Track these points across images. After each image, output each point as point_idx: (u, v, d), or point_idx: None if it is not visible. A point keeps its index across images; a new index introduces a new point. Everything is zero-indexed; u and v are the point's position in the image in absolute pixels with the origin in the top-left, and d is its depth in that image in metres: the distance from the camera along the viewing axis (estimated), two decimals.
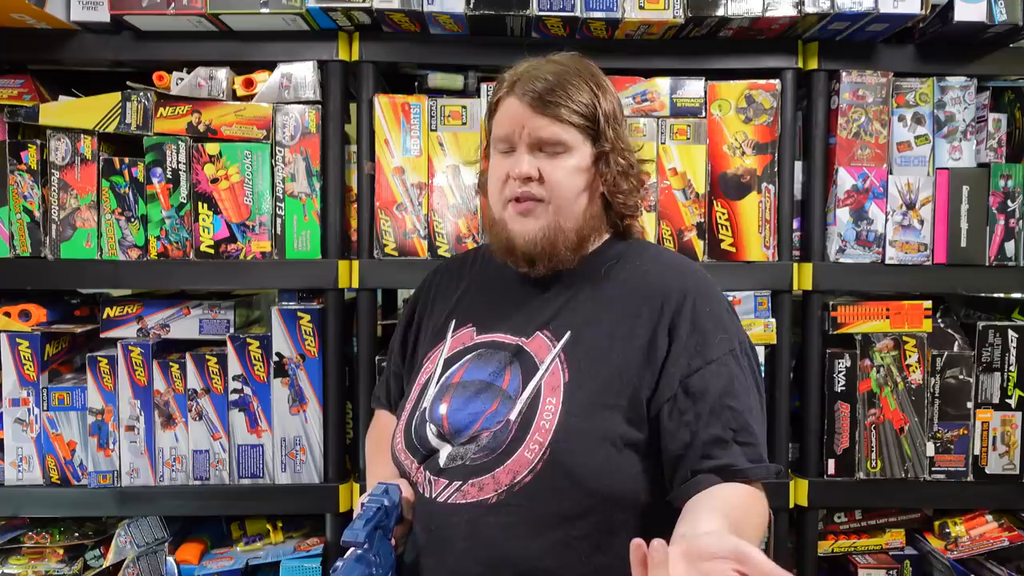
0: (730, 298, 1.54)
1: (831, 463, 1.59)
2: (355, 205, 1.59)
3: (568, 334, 1.08)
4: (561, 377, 1.05)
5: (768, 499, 1.54)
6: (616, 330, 1.07)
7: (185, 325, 1.58)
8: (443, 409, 1.08)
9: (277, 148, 1.55)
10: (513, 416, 1.04)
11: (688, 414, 1.01)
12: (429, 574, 1.04)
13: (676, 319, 1.06)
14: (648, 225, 1.56)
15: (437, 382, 1.13)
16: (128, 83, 1.56)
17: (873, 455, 1.58)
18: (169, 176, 1.54)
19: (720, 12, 1.47)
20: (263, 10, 1.46)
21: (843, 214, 1.57)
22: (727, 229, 1.58)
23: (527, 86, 1.08)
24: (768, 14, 1.46)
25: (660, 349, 1.05)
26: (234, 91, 1.57)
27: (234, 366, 1.56)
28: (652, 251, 1.20)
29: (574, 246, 1.12)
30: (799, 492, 1.59)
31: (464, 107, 1.56)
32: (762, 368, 1.58)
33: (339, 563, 0.92)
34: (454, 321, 1.19)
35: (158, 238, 1.54)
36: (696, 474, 0.99)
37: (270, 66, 1.56)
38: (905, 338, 1.58)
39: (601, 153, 1.11)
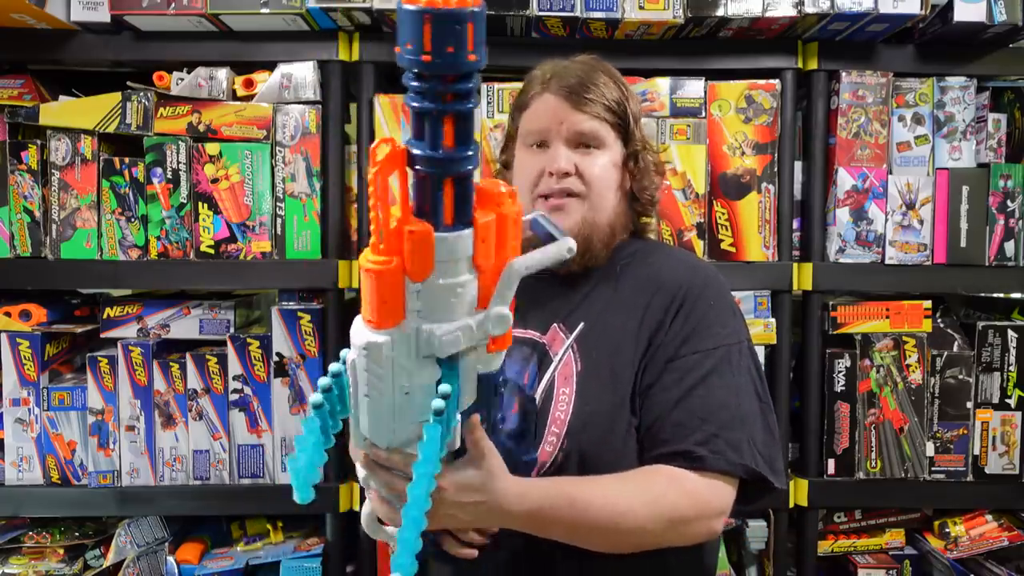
0: None
1: (831, 463, 1.59)
2: (355, 205, 1.59)
3: (582, 325, 1.08)
4: (574, 367, 1.06)
5: (766, 500, 1.56)
6: (628, 322, 1.07)
7: (185, 325, 1.58)
8: None
9: (277, 148, 1.55)
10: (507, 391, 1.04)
11: (659, 396, 1.01)
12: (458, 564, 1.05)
13: (679, 310, 1.06)
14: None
15: None
16: (128, 83, 1.56)
17: (873, 455, 1.59)
18: (169, 176, 1.54)
19: (720, 12, 1.47)
20: (263, 10, 1.46)
21: (843, 214, 1.57)
22: (727, 229, 1.58)
23: (562, 83, 1.10)
24: (768, 14, 1.46)
25: (658, 338, 1.05)
26: (234, 91, 1.57)
27: (234, 366, 1.56)
28: (666, 249, 1.22)
29: (608, 240, 1.12)
30: (799, 492, 1.59)
31: None
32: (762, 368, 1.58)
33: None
34: None
35: (158, 238, 1.54)
36: (654, 460, 0.99)
37: (270, 66, 1.56)
38: (905, 338, 1.58)
39: (632, 151, 1.13)
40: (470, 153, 0.66)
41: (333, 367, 0.78)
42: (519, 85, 1.23)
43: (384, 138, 0.67)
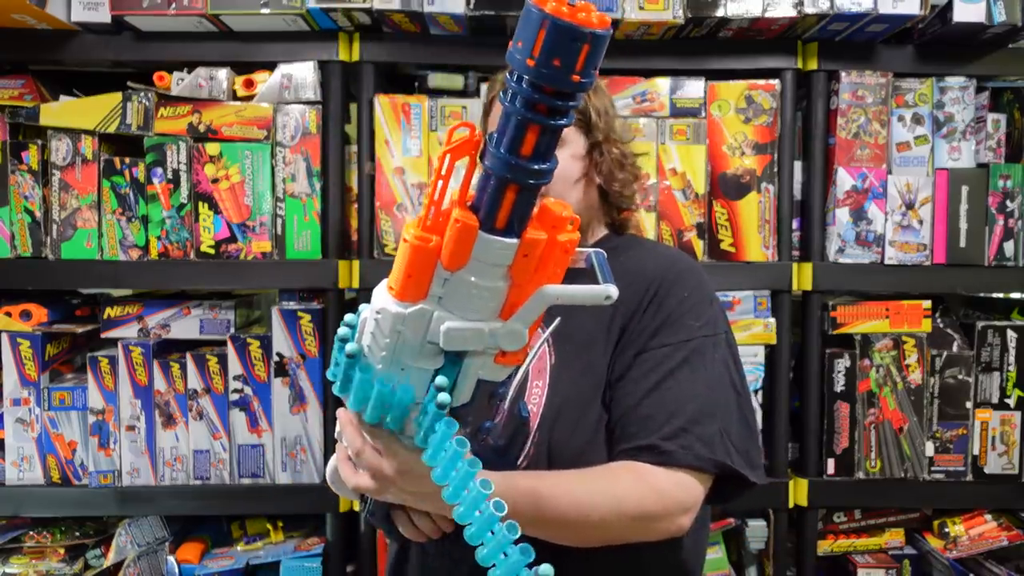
0: (730, 298, 1.55)
1: (831, 463, 1.59)
2: (355, 205, 1.59)
3: (558, 319, 1.07)
4: (548, 360, 1.05)
5: (767, 499, 1.57)
6: (601, 315, 1.06)
7: (185, 325, 1.59)
8: None
9: (277, 148, 1.55)
10: (505, 404, 1.04)
11: (627, 388, 1.00)
12: (440, 557, 1.05)
13: (651, 302, 1.05)
14: (648, 225, 1.56)
15: None
16: (129, 83, 1.56)
17: (872, 455, 1.59)
18: (170, 176, 1.54)
19: (720, 13, 1.47)
20: (263, 11, 1.47)
21: (842, 214, 1.58)
22: (727, 229, 1.58)
23: None
24: (768, 15, 1.46)
25: (630, 330, 1.04)
26: (234, 91, 1.57)
27: (234, 366, 1.56)
28: (646, 244, 1.20)
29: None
30: (799, 492, 1.59)
31: (464, 107, 1.57)
32: (761, 367, 1.58)
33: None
34: None
35: (159, 238, 1.54)
36: (623, 455, 0.98)
37: (270, 66, 1.57)
38: (904, 338, 1.58)
39: (595, 143, 1.12)
40: (544, 167, 0.65)
41: (349, 318, 0.79)
42: None
43: (466, 122, 0.67)
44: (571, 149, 1.11)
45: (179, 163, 1.54)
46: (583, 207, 1.13)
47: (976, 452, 1.60)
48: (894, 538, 1.66)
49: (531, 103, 0.61)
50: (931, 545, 1.63)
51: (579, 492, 0.92)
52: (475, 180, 0.67)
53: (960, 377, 1.59)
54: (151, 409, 1.56)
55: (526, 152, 0.64)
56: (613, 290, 0.73)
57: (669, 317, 1.03)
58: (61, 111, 1.54)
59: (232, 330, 1.58)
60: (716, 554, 1.63)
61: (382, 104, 1.56)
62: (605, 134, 1.13)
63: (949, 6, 1.47)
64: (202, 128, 1.54)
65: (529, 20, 0.59)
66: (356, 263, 1.56)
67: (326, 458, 1.57)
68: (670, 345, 1.01)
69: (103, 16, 1.48)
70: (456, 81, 1.60)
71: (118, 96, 1.53)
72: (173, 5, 1.46)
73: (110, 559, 1.58)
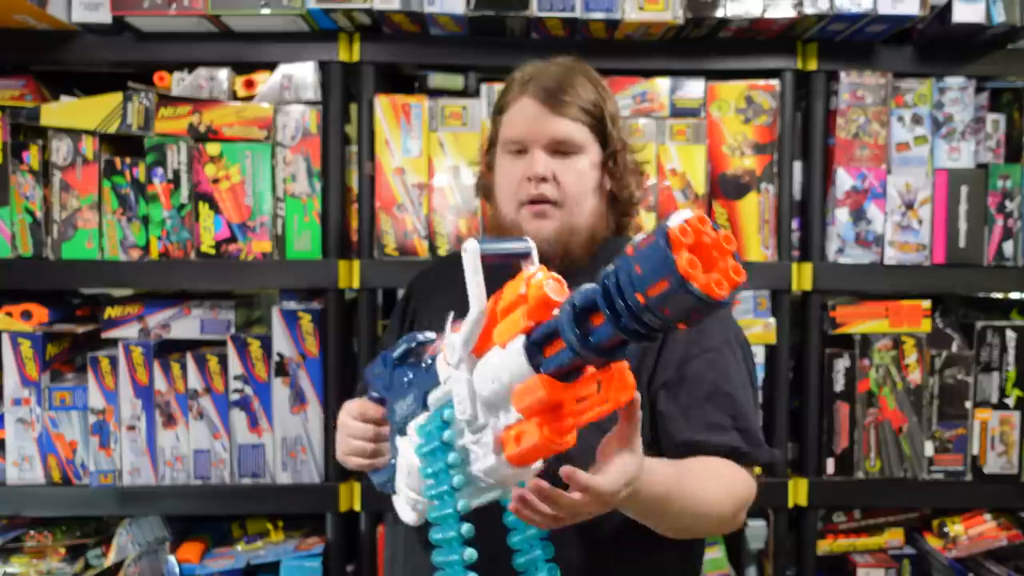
0: None
1: (830, 463, 1.59)
2: (355, 205, 1.59)
3: None
4: None
5: (767, 499, 1.57)
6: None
7: (186, 325, 1.59)
8: None
9: (278, 148, 1.55)
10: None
11: (684, 399, 1.03)
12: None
13: None
14: (648, 225, 1.56)
15: None
16: (129, 84, 1.56)
17: (872, 455, 1.59)
18: (170, 176, 1.54)
19: (720, 13, 1.47)
20: (264, 11, 1.47)
21: (842, 214, 1.58)
22: (726, 229, 1.58)
23: (540, 86, 1.11)
24: (767, 15, 1.47)
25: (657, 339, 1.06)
26: (235, 92, 1.57)
27: (235, 366, 1.56)
28: None
29: (587, 244, 1.13)
30: (798, 492, 1.59)
31: (464, 107, 1.57)
32: (761, 367, 1.59)
33: None
34: (452, 313, 1.19)
35: (159, 238, 1.55)
36: (697, 452, 1.01)
37: (271, 67, 1.57)
38: (904, 338, 1.58)
39: (609, 152, 1.14)
40: (605, 359, 0.68)
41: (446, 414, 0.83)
42: None
43: (555, 277, 0.73)
44: (587, 159, 1.12)
45: (179, 163, 1.54)
46: (596, 215, 1.14)
47: (975, 452, 1.60)
48: (894, 538, 1.66)
49: (624, 326, 0.62)
50: (931, 545, 1.63)
51: (708, 485, 0.96)
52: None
53: (959, 377, 1.59)
54: (151, 409, 1.56)
55: (603, 347, 0.66)
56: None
57: (700, 324, 1.06)
58: (62, 111, 1.54)
59: (232, 330, 1.58)
60: (716, 554, 1.63)
61: (382, 104, 1.56)
62: (621, 142, 1.15)
63: (948, 7, 1.47)
64: (202, 128, 1.54)
65: (660, 260, 0.57)
66: (356, 263, 1.56)
67: (326, 458, 1.57)
68: (712, 351, 1.06)
69: (104, 16, 1.49)
70: (456, 81, 1.61)
71: (119, 96, 1.54)
72: (174, 5, 1.47)
73: (110, 559, 1.58)
